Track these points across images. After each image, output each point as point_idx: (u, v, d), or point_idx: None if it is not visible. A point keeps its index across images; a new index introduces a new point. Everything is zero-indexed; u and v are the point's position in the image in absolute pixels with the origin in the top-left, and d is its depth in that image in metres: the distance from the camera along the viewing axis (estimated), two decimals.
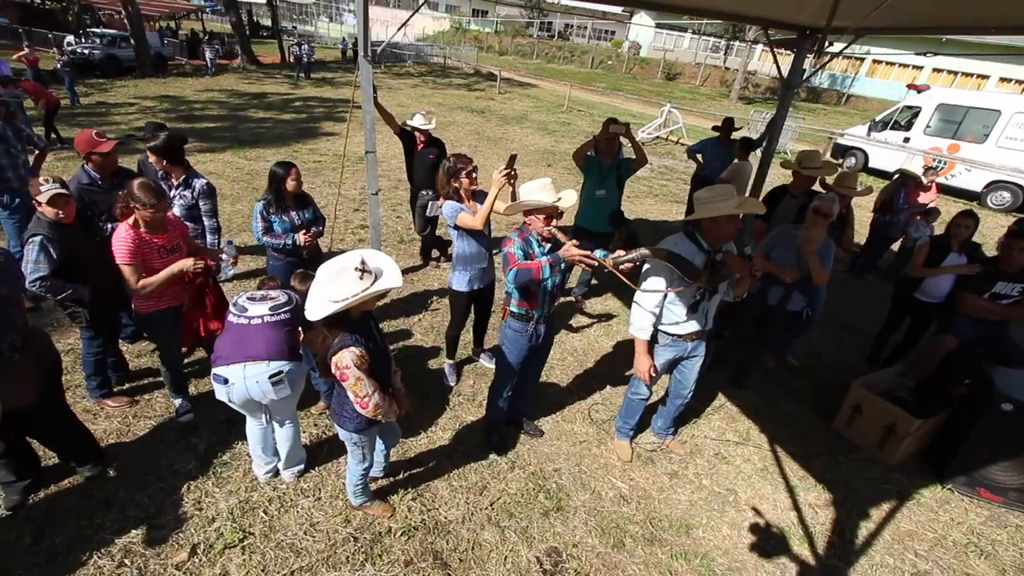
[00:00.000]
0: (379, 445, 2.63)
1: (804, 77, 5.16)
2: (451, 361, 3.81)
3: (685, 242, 2.58)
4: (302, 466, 2.87)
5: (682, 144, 13.35)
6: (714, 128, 6.26)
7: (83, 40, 17.97)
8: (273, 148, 9.81)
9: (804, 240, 3.29)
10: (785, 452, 3.45)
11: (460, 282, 3.39)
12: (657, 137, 13.94)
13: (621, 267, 2.41)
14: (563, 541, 2.67)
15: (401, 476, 2.94)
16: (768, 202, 4.13)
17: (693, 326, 2.76)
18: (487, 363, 3.96)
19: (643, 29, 35.26)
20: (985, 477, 3.16)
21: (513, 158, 2.91)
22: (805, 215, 3.44)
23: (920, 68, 26.09)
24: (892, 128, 12.33)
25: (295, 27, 38.80)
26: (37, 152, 4.55)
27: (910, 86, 14.45)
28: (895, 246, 6.57)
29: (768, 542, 2.80)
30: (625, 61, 33.36)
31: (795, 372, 4.34)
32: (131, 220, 2.69)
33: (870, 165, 12.42)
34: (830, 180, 4.36)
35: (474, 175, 3.19)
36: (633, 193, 8.68)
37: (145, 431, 3.13)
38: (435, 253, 5.53)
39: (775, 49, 5.23)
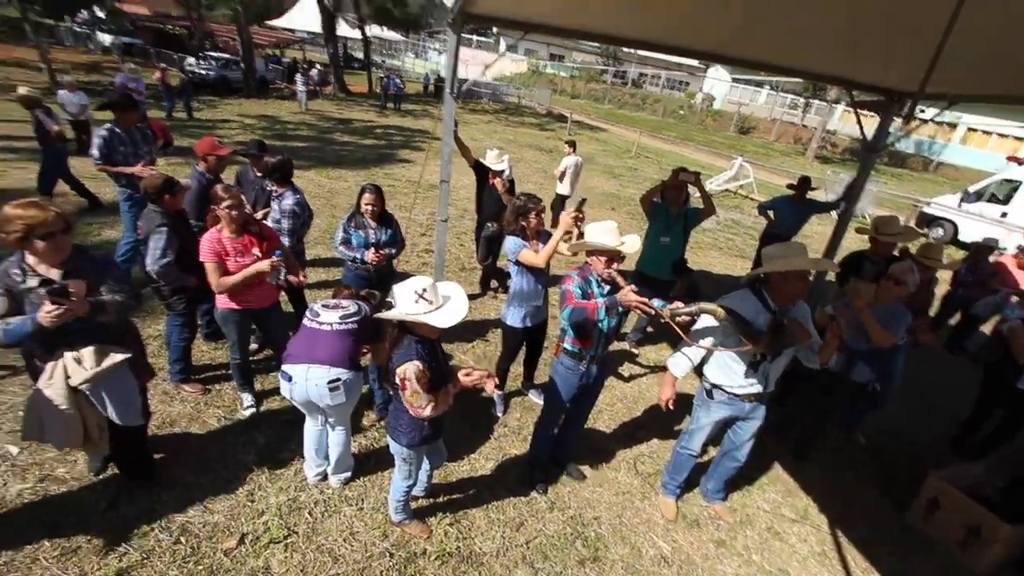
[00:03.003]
0: (424, 465, 2.69)
1: (889, 141, 4.99)
2: (500, 392, 3.85)
3: (750, 299, 2.53)
4: (349, 474, 2.97)
5: (752, 199, 13.06)
6: (789, 186, 6.12)
7: (201, 62, 20.17)
8: (353, 170, 10.49)
9: (852, 292, 3.13)
10: (848, 538, 3.19)
11: (514, 318, 3.46)
12: (726, 190, 13.72)
13: (678, 319, 2.40)
14: None
15: (441, 499, 2.97)
16: (845, 268, 3.97)
17: (752, 387, 2.67)
18: (535, 399, 3.97)
19: (718, 82, 35.24)
20: None
21: (583, 202, 3.00)
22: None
23: (1021, 140, 24.39)
24: (988, 200, 11.53)
25: (384, 60, 41.77)
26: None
27: (1011, 158, 13.52)
28: (988, 326, 6.07)
29: None
30: (697, 112, 33.35)
31: (865, 450, 4.04)
32: (218, 225, 2.98)
33: (959, 237, 11.61)
34: (912, 249, 4.14)
35: (542, 215, 3.29)
36: (697, 244, 8.55)
37: (212, 420, 3.36)
38: (494, 284, 5.66)
39: (859, 110, 5.11)
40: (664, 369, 4.67)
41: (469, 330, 4.82)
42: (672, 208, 4.30)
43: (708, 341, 2.60)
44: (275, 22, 31.85)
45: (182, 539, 2.54)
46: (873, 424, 4.20)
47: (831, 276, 5.48)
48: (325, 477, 2.97)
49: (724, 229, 10.09)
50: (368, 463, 3.13)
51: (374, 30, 31.65)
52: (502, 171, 5.08)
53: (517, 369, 4.04)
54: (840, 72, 4.49)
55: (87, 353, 2.25)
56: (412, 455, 2.39)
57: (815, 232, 10.17)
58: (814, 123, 28.27)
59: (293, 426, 3.29)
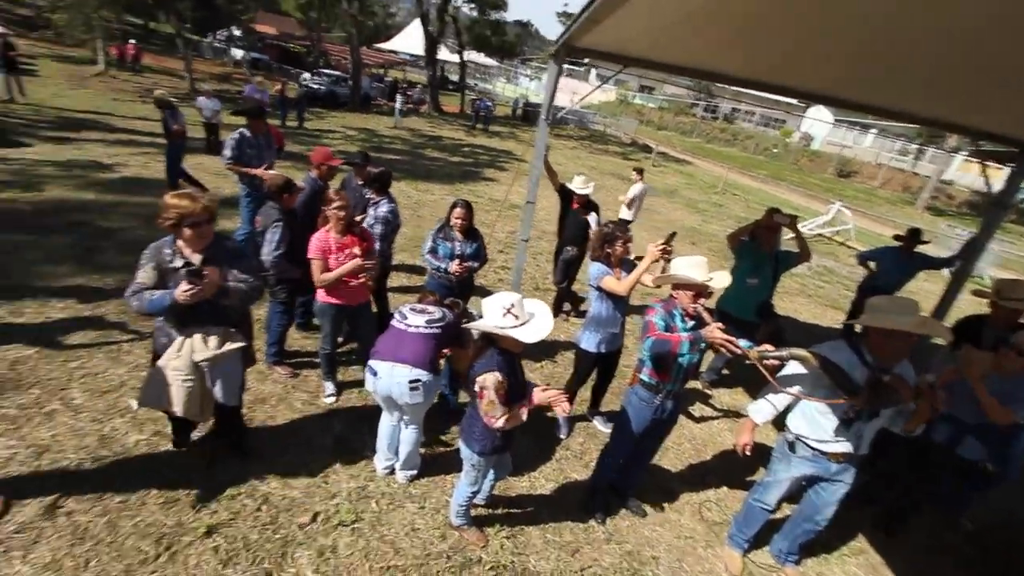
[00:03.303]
0: (489, 475, 2.75)
1: (1021, 198, 4.53)
2: (565, 415, 3.85)
3: (844, 351, 2.39)
4: (415, 471, 3.10)
5: (848, 247, 12.21)
6: (896, 237, 5.68)
7: (315, 77, 22.16)
8: (440, 184, 11.02)
9: (965, 362, 2.82)
10: None
11: (589, 342, 3.47)
12: (819, 235, 12.92)
13: (765, 362, 2.31)
14: None
15: (499, 511, 3.01)
16: (959, 332, 3.61)
17: (842, 446, 2.50)
18: (600, 426, 3.93)
19: (818, 122, 33.44)
20: None
21: (672, 236, 2.99)
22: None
23: None
24: None
25: (476, 84, 43.70)
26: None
27: None
28: None
29: None
30: (793, 151, 31.81)
31: (970, 536, 3.60)
32: (327, 226, 3.26)
33: None
34: None
35: (628, 245, 3.31)
36: (785, 288, 8.10)
37: (297, 403, 3.63)
38: (567, 307, 5.70)
39: (985, 162, 4.69)
40: (738, 415, 4.53)
41: (539, 350, 4.87)
42: (763, 249, 4.15)
43: (797, 389, 2.48)
44: (383, 44, 34.44)
45: (263, 507, 2.76)
46: (985, 509, 3.74)
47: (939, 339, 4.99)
48: (392, 471, 3.11)
49: (815, 276, 9.50)
50: (433, 465, 3.25)
51: (471, 55, 33.25)
52: (586, 195, 5.16)
53: (584, 394, 4.03)
54: (965, 121, 4.17)
55: (213, 334, 2.54)
56: (481, 463, 2.46)
57: (920, 288, 9.31)
58: (927, 171, 26.03)
59: (366, 418, 3.50)
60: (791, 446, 2.64)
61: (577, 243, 5.22)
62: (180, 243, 2.42)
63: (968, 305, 5.21)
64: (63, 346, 3.72)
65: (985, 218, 4.76)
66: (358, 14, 22.52)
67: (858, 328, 2.41)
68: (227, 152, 5.07)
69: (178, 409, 2.54)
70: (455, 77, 36.88)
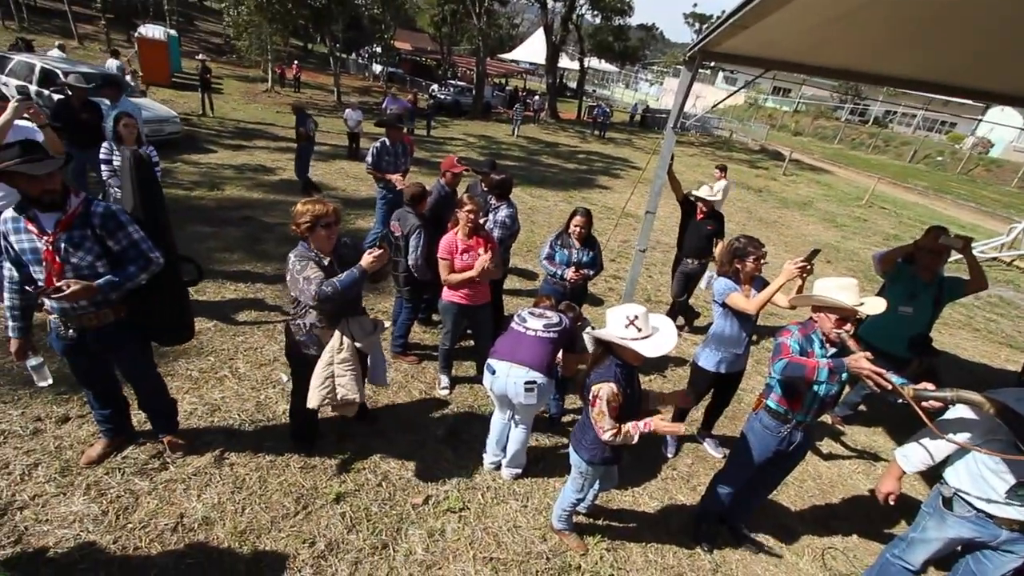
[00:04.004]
0: (595, 484, 2.74)
1: None
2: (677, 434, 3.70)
3: None
4: (520, 470, 3.19)
5: None
6: None
7: (443, 88, 23.66)
8: (553, 190, 11.17)
9: None
10: None
11: (709, 360, 3.31)
12: (995, 259, 10.92)
13: (923, 403, 2.02)
14: None
15: (600, 522, 2.99)
16: None
17: (1018, 512, 2.11)
18: (710, 449, 3.72)
19: (1001, 126, 28.19)
20: None
21: (815, 253, 2.75)
22: None
23: None
24: None
25: (594, 90, 43.50)
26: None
27: None
28: None
29: None
30: (964, 159, 27.23)
31: None
32: (456, 229, 3.47)
33: None
34: None
35: (761, 261, 3.09)
36: (945, 319, 6.99)
37: (416, 392, 3.92)
38: (681, 321, 5.47)
39: None
40: (875, 458, 4.02)
41: (650, 364, 4.72)
42: (923, 275, 3.63)
43: (963, 437, 2.14)
44: (506, 55, 35.73)
45: (383, 484, 3.03)
46: None
47: None
48: (498, 467, 3.23)
49: (985, 307, 8.06)
50: (537, 466, 3.31)
51: (592, 62, 33.20)
52: (713, 203, 4.92)
53: (695, 414, 3.84)
54: None
55: (365, 320, 2.83)
56: (589, 471, 2.47)
57: None
58: None
59: (475, 414, 3.69)
60: (947, 502, 2.28)
61: (698, 255, 4.98)
62: (312, 245, 2.59)
63: None
64: (233, 322, 4.40)
65: None
66: (485, 27, 23.65)
67: None
68: (368, 159, 5.63)
69: (356, 396, 2.73)
70: (573, 84, 37.10)
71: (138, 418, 3.08)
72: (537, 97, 25.25)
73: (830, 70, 4.06)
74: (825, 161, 24.00)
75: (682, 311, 5.36)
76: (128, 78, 12.50)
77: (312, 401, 2.71)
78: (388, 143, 5.71)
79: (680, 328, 5.46)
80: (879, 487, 2.41)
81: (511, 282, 5.90)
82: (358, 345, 2.74)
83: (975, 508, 2.21)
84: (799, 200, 14.47)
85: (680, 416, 3.69)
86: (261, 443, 3.17)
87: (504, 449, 3.17)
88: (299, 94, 21.49)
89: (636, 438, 2.22)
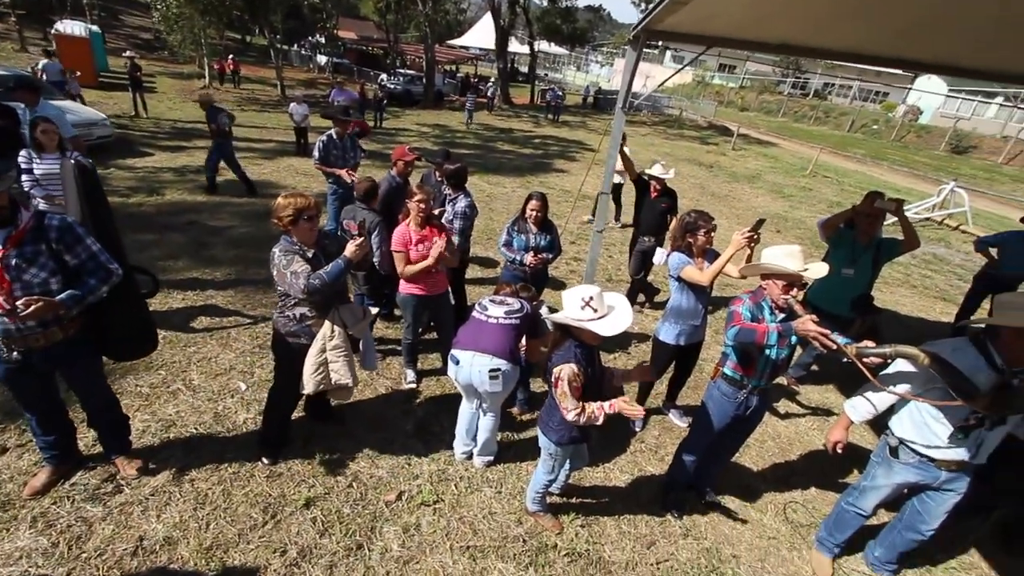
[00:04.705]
0: (566, 464, 2.78)
1: None
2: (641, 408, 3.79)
3: (968, 351, 2.13)
4: (492, 458, 3.20)
5: (964, 231, 10.88)
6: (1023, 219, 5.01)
7: (392, 78, 23.08)
8: (510, 177, 11.13)
9: None
10: None
11: (668, 334, 3.39)
12: (927, 219, 11.62)
13: (866, 359, 2.14)
14: None
15: (573, 501, 3.04)
16: None
17: (956, 454, 2.26)
18: (676, 419, 3.84)
19: (928, 93, 29.83)
20: None
21: (760, 223, 2.84)
22: None
23: None
24: None
25: (546, 74, 43.40)
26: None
27: None
28: None
29: None
30: (897, 127, 28.70)
31: None
32: (407, 220, 3.41)
33: None
34: None
35: (711, 234, 3.18)
36: (885, 278, 7.40)
37: (381, 388, 3.87)
38: (641, 298, 5.58)
39: None
40: (828, 413, 4.24)
41: (612, 342, 4.79)
42: (861, 238, 3.82)
43: (904, 388, 2.27)
44: (455, 41, 35.12)
45: (354, 484, 2.98)
46: None
47: None
48: (470, 456, 3.23)
49: (921, 264, 8.58)
50: (509, 452, 3.34)
51: (542, 45, 33.06)
52: (665, 180, 5.02)
53: (659, 387, 3.95)
54: None
55: (355, 307, 2.86)
56: (559, 452, 2.50)
57: None
58: None
59: (444, 405, 3.66)
60: (894, 451, 2.44)
61: (654, 233, 5.08)
62: (295, 238, 2.58)
63: None
64: (183, 333, 4.20)
65: None
66: (432, 13, 23.14)
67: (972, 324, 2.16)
68: (315, 154, 5.45)
69: (349, 381, 2.78)
70: (525, 69, 36.88)
71: (85, 441, 2.92)
72: (490, 83, 24.98)
73: (771, 45, 4.15)
74: (771, 134, 24.82)
75: (642, 288, 5.47)
76: (62, 79, 11.64)
77: (308, 387, 2.73)
78: (336, 136, 5.54)
79: (641, 305, 5.58)
80: (828, 436, 2.55)
81: (472, 271, 5.86)
82: (350, 332, 2.78)
83: (919, 454, 2.36)
84: (748, 173, 14.94)
85: (645, 389, 3.78)
86: (222, 455, 3.06)
87: (475, 438, 3.17)
88: (240, 90, 20.55)
89: (601, 419, 2.26)
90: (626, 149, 4.91)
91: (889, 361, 2.25)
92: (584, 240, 7.58)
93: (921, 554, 2.83)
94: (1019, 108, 27.25)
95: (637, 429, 3.73)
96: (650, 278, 5.59)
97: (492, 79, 28.11)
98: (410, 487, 3.01)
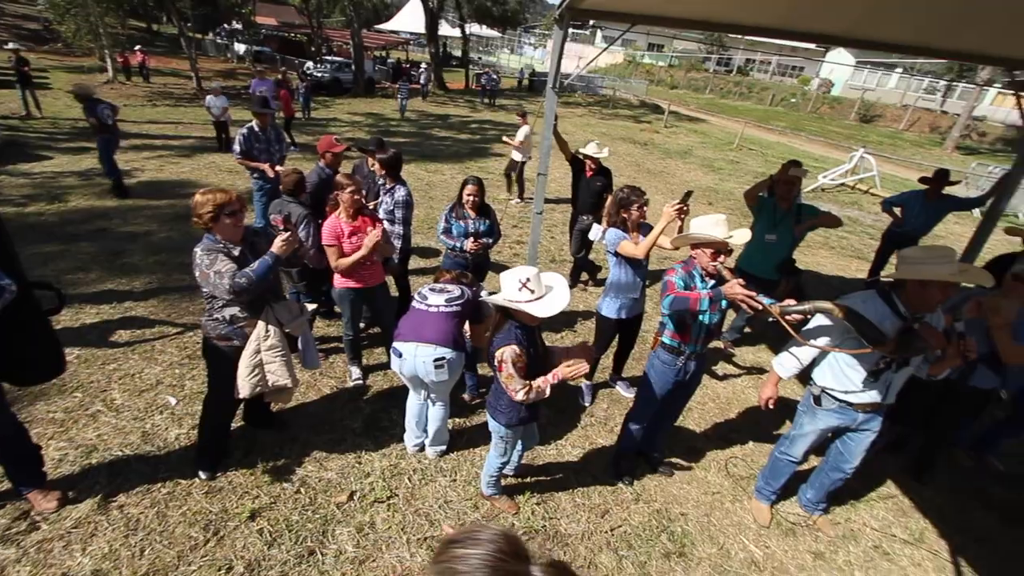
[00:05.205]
0: (517, 445, 2.80)
1: None
2: (588, 382, 3.88)
3: (876, 302, 2.32)
4: (444, 447, 3.18)
5: (873, 194, 11.78)
6: (922, 179, 5.46)
7: (318, 66, 22.00)
8: (449, 164, 10.96)
9: (990, 310, 2.74)
10: (972, 569, 2.85)
11: (610, 309, 3.47)
12: (842, 184, 12.49)
13: (788, 317, 2.27)
14: None
15: (528, 480, 3.08)
16: (993, 271, 3.49)
17: (870, 397, 2.47)
18: (623, 391, 3.95)
19: (839, 66, 31.90)
20: None
21: (688, 195, 2.93)
22: None
23: None
24: None
25: (480, 57, 42.84)
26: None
27: None
28: None
29: None
30: (812, 99, 30.53)
31: (1002, 480, 3.56)
32: (337, 211, 3.28)
33: None
34: None
35: (644, 209, 3.25)
36: (807, 241, 7.89)
37: (326, 388, 3.74)
38: (584, 276, 5.68)
39: (1021, 92, 4.42)
40: (762, 372, 4.50)
41: (558, 320, 4.89)
42: (781, 204, 4.04)
43: (823, 341, 2.44)
44: (383, 25, 33.88)
45: (302, 490, 2.88)
46: (1017, 452, 3.68)
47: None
48: (422, 448, 3.20)
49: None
50: (461, 439, 3.33)
51: (473, 28, 32.52)
52: (600, 159, 5.09)
53: (606, 361, 4.04)
54: (1000, 50, 3.92)
55: (291, 304, 2.75)
56: (509, 434, 2.51)
57: (950, 232, 8.97)
58: (957, 108, 24.73)
59: (393, 399, 3.59)
60: (817, 399, 2.62)
61: (592, 211, 5.16)
62: (218, 236, 2.43)
63: (1000, 245, 5.01)
64: (100, 350, 3.88)
65: (1019, 152, 4.52)
66: None
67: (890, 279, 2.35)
68: (236, 148, 5.12)
69: (288, 381, 2.67)
70: (458, 53, 36.22)
71: None
72: (423, 68, 24.32)
73: (691, 21, 4.25)
74: (700, 111, 25.77)
75: (584, 267, 5.57)
76: None
77: (243, 391, 2.60)
78: (257, 128, 5.23)
79: (584, 283, 5.69)
80: (760, 393, 2.71)
81: (415, 262, 5.75)
82: (287, 330, 2.67)
83: (838, 400, 2.55)
84: (680, 149, 15.46)
85: (592, 364, 3.86)
86: (154, 475, 2.86)
87: (425, 429, 3.13)
88: (150, 84, 18.97)
89: (548, 391, 2.28)
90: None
91: (809, 317, 2.40)
92: (527, 222, 7.59)
93: (846, 491, 3.09)
94: (915, 78, 29.67)
95: (587, 404, 3.82)
96: (592, 256, 5.69)
97: (424, 64, 27.44)
98: (362, 486, 2.94)
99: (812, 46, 31.33)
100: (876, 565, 2.82)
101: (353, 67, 21.75)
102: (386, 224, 3.86)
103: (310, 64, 22.27)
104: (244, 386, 2.59)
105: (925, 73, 29.74)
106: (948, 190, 5.35)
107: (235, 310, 2.54)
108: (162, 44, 30.06)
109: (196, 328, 4.14)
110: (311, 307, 2.96)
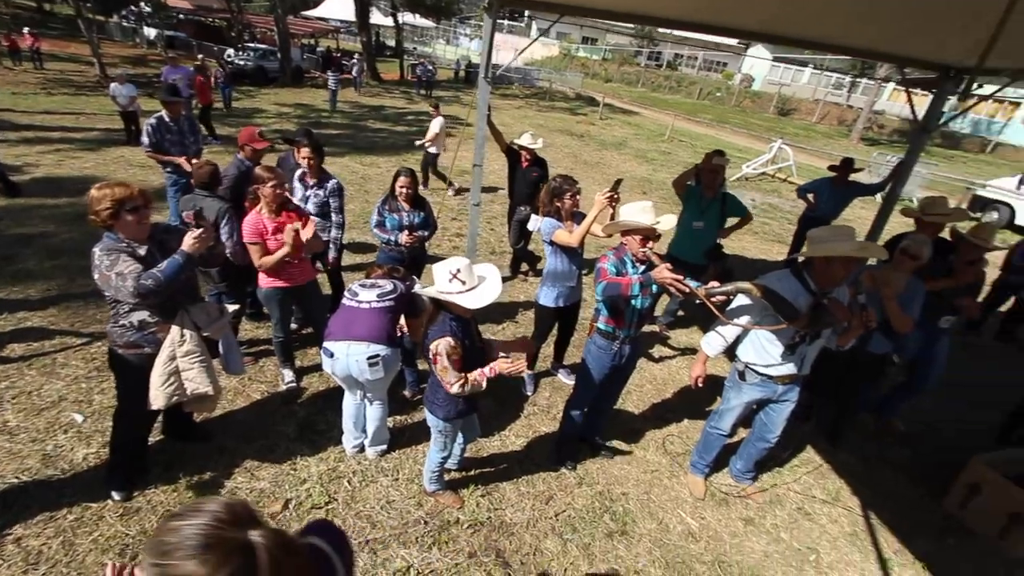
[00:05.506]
0: (458, 439, 2.77)
1: (942, 121, 4.75)
2: (530, 372, 3.91)
3: (790, 280, 2.49)
4: (385, 446, 3.09)
5: (790, 182, 12.63)
6: (831, 167, 5.90)
7: (240, 53, 20.68)
8: (385, 156, 10.66)
9: (881, 283, 3.03)
10: (880, 521, 3.14)
11: (548, 298, 3.50)
12: (763, 173, 13.29)
13: (713, 298, 2.38)
14: (625, 566, 2.63)
15: (472, 473, 3.06)
16: (890, 249, 3.83)
17: (788, 369, 2.64)
18: (565, 379, 4.01)
19: (759, 62, 33.89)
20: None
21: (618, 183, 2.99)
22: (931, 264, 3.17)
23: None
24: None
25: (415, 48, 41.88)
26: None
27: None
28: None
29: None
30: (735, 94, 32.24)
31: (902, 439, 3.93)
32: (258, 207, 3.10)
33: (1017, 222, 10.96)
34: (962, 229, 3.95)
35: (577, 197, 3.29)
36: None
37: (256, 394, 3.53)
38: (524, 267, 5.70)
39: (910, 89, 4.87)
40: (695, 352, 4.69)
41: (499, 311, 4.88)
42: (706, 192, 4.23)
43: (744, 320, 2.58)
44: (310, 12, 32.30)
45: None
46: (913, 414, 4.08)
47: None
48: (362, 449, 3.10)
49: (760, 213, 9.81)
50: (402, 437, 3.25)
51: (406, 17, 31.69)
52: (535, 150, 5.11)
53: (547, 350, 4.08)
54: (891, 48, 4.28)
55: (209, 306, 2.57)
56: (448, 428, 2.47)
57: (857, 216, 9.77)
58: (861, 103, 26.97)
59: (330, 400, 3.45)
60: (741, 375, 2.77)
61: (529, 202, 5.17)
62: (121, 235, 2.22)
63: (899, 225, 5.51)
64: None
65: (911, 143, 4.98)
66: None
67: (801, 259, 2.51)
68: (144, 139, 4.71)
69: (209, 389, 2.47)
70: (392, 42, 35.21)
71: None
72: (355, 59, 23.41)
73: (618, 14, 4.35)
74: (633, 104, 26.55)
75: (523, 257, 5.59)
76: None
77: (157, 402, 2.40)
78: (168, 118, 4.83)
79: (525, 273, 5.71)
80: (690, 373, 2.83)
81: (351, 257, 5.55)
82: (205, 333, 2.47)
83: (760, 374, 2.71)
84: (615, 141, 15.86)
85: (532, 354, 3.88)
86: (58, 502, 2.59)
87: (364, 429, 3.03)
88: (44, 70, 17.08)
89: (484, 384, 2.26)
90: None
91: (732, 297, 2.54)
92: (466, 215, 7.52)
93: (772, 460, 3.32)
94: (825, 75, 32.03)
95: (529, 393, 3.85)
96: (532, 247, 5.72)
97: (357, 54, 26.46)
98: (297, 493, 2.80)
99: (734, 42, 33.12)
100: (799, 525, 3.04)
101: (279, 55, 20.60)
102: (317, 220, 3.67)
103: (231, 51, 20.88)
104: (158, 396, 2.39)
105: (833, 70, 32.17)
106: (854, 177, 5.82)
107: (144, 315, 2.33)
108: (57, 26, 27.16)
109: (104, 337, 3.78)
110: (232, 308, 2.76)
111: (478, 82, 4.02)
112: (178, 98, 4.91)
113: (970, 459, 3.20)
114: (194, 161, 4.48)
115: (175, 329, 2.39)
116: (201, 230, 2.27)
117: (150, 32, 27.34)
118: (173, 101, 4.83)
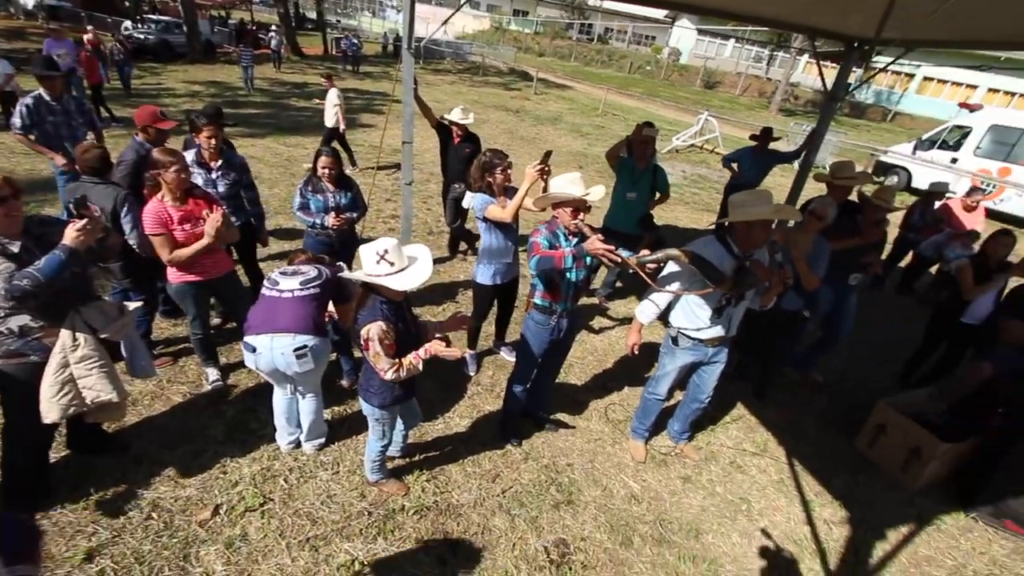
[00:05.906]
0: (399, 425, 2.70)
1: (849, 90, 5.04)
2: (472, 351, 3.86)
3: (715, 245, 2.57)
4: (323, 440, 2.97)
5: (717, 153, 13.15)
6: (751, 137, 6.17)
7: (139, 26, 18.72)
8: (312, 136, 10.06)
9: (791, 244, 3.23)
10: (803, 467, 3.39)
11: (485, 275, 3.44)
12: (692, 145, 13.76)
13: (645, 266, 2.42)
14: (572, 534, 2.69)
15: (417, 458, 3.01)
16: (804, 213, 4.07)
17: (716, 331, 2.75)
18: (507, 356, 4.01)
19: (685, 36, 34.78)
20: (1013, 509, 3.05)
21: (548, 155, 2.95)
22: (840, 225, 3.39)
23: (975, 88, 25.09)
24: (940, 148, 11.90)
25: (339, 20, 39.65)
26: (93, 131, 4.78)
27: (962, 105, 13.89)
28: (934, 268, 6.37)
29: (779, 554, 2.77)
30: (664, 67, 33.00)
31: (820, 389, 4.25)
32: (159, 194, 2.82)
33: (913, 184, 12.03)
34: (868, 192, 4.26)
35: (508, 172, 3.23)
36: None
37: (177, 396, 3.27)
38: (463, 246, 5.60)
39: (821, 61, 5.13)
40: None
41: (438, 292, 4.79)
42: (638, 163, 4.29)
43: (674, 287, 2.64)
44: None
45: (154, 514, 2.51)
46: (829, 368, 4.42)
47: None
48: (298, 445, 2.95)
49: (690, 184, 10.18)
50: (341, 428, 3.13)
51: None
52: (466, 125, 4.96)
53: (488, 328, 4.05)
54: (803, 19, 4.47)
55: (106, 304, 2.32)
56: (385, 415, 2.39)
57: (777, 184, 10.34)
58: (779, 76, 28.40)
59: (261, 397, 3.25)
60: (674, 340, 2.86)
61: (462, 179, 5.04)
62: None
63: (814, 190, 5.86)
64: None
65: (822, 112, 5.27)
66: None
67: (725, 223, 2.60)
68: (15, 120, 4.13)
69: (113, 395, 2.25)
70: (313, 14, 33.10)
71: None
72: (273, 32, 21.77)
73: None
74: (566, 78, 26.56)
75: (461, 236, 5.49)
76: None
77: (51, 415, 2.16)
78: (48, 96, 4.27)
79: (464, 252, 5.62)
80: (626, 341, 2.89)
81: (276, 245, 5.22)
82: (103, 335, 2.23)
83: (691, 338, 2.80)
84: (550, 116, 15.84)
85: (473, 333, 3.83)
86: None
87: (299, 424, 2.88)
88: None
89: (420, 367, 2.19)
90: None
91: (663, 265, 2.59)
92: (400, 195, 7.28)
93: (706, 419, 3.49)
94: (745, 48, 33.39)
95: (472, 372, 3.81)
96: (469, 225, 5.61)
97: (274, 26, 24.64)
98: (229, 497, 2.64)
99: (661, 14, 33.72)
100: (732, 478, 3.22)
101: (185, 28, 18.82)
102: (227, 208, 3.39)
103: (128, 24, 18.88)
104: (52, 408, 2.14)
105: (753, 43, 33.56)
106: (773, 145, 6.11)
107: (25, 319, 2.07)
108: None
109: None
110: (133, 306, 2.51)
111: (401, 55, 3.82)
112: (55, 72, 4.32)
113: (877, 403, 3.50)
114: (59, 158, 4.03)
115: (65, 333, 2.14)
116: (85, 220, 2.02)
117: (27, 1, 24.13)
118: (49, 75, 4.25)
